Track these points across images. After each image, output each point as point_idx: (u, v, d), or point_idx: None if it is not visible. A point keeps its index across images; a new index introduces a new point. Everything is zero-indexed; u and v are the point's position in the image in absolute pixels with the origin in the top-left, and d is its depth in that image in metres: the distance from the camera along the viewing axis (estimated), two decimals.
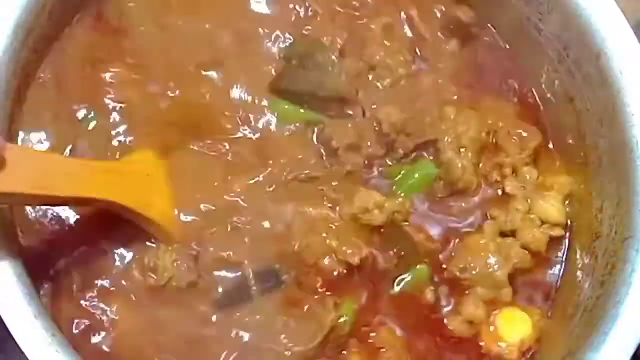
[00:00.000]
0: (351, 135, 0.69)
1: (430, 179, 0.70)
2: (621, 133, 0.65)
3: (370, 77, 0.72)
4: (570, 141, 0.72)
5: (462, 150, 0.70)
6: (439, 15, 0.76)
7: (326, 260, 0.65)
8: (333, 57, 0.71)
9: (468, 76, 0.74)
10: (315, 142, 0.70)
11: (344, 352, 0.64)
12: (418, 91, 0.72)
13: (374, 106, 0.71)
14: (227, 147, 0.68)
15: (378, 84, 0.72)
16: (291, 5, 0.73)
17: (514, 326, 0.67)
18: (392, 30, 0.74)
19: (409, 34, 0.75)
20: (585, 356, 0.60)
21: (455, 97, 0.73)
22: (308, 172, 0.68)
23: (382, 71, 0.72)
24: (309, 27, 0.73)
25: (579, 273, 0.68)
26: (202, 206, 0.66)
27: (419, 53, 0.74)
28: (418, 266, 0.67)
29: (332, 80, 0.70)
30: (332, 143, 0.69)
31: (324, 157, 0.69)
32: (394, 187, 0.70)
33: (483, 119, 0.72)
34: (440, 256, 0.69)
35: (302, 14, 0.73)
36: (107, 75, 0.69)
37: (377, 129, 0.70)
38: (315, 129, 0.70)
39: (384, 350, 0.65)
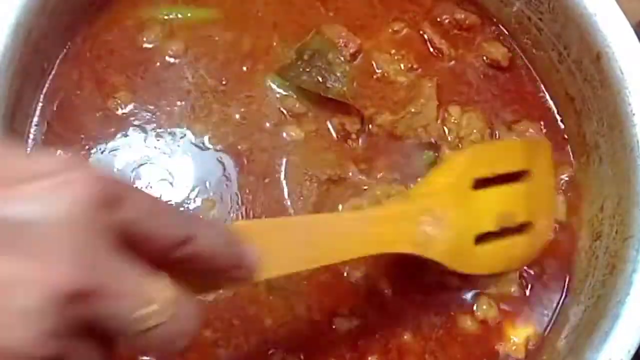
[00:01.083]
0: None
1: (430, 161, 0.70)
2: (622, 133, 0.65)
3: (374, 78, 0.73)
4: (571, 141, 0.73)
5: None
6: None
7: None
8: (342, 58, 0.71)
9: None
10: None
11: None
12: (416, 97, 0.72)
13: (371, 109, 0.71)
14: None
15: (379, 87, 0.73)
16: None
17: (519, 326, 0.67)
18: (400, 37, 0.75)
19: (420, 43, 0.75)
20: (586, 356, 0.60)
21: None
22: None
23: (383, 76, 0.73)
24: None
25: (581, 273, 0.68)
26: None
27: (426, 62, 0.74)
28: None
29: (337, 84, 0.70)
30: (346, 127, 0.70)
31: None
32: None
33: (486, 122, 0.72)
34: None
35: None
36: None
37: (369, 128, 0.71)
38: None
39: None
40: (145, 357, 0.61)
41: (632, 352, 0.59)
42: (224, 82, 0.71)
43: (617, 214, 0.65)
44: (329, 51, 0.71)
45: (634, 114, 0.64)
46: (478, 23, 0.76)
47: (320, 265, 0.54)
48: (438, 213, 0.58)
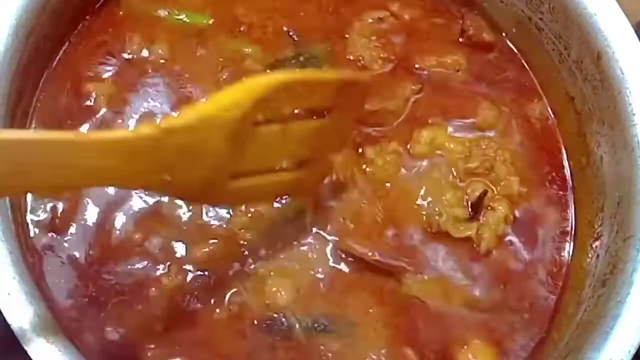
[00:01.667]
0: None
1: None
2: (622, 132, 0.65)
3: None
4: (571, 141, 0.73)
5: None
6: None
7: None
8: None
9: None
10: None
11: None
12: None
13: None
14: None
15: None
16: None
17: None
18: (379, 25, 0.75)
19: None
20: (586, 355, 0.60)
21: None
22: None
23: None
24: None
25: (581, 272, 0.68)
26: None
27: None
28: None
29: None
30: None
31: None
32: None
33: None
34: None
35: None
36: None
37: None
38: None
39: None
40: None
41: (633, 352, 0.59)
42: None
43: (617, 214, 0.65)
44: (325, 62, 0.71)
45: (634, 114, 0.64)
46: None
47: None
48: (194, 151, 0.50)
